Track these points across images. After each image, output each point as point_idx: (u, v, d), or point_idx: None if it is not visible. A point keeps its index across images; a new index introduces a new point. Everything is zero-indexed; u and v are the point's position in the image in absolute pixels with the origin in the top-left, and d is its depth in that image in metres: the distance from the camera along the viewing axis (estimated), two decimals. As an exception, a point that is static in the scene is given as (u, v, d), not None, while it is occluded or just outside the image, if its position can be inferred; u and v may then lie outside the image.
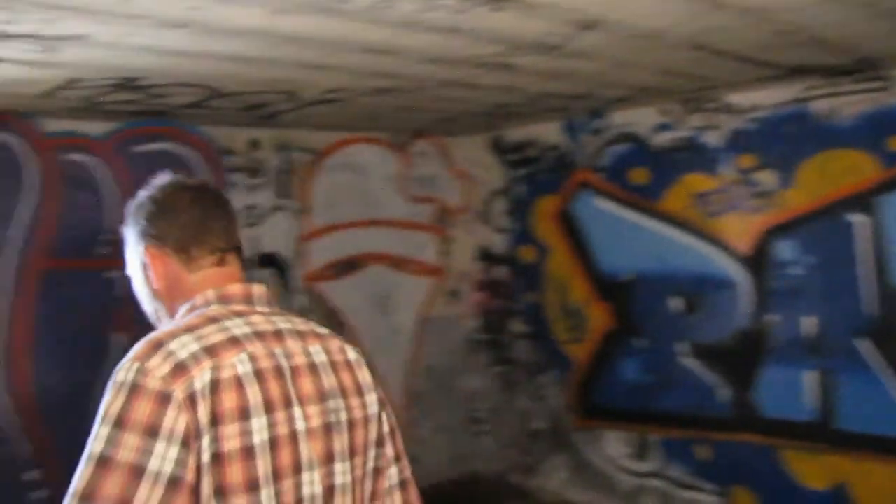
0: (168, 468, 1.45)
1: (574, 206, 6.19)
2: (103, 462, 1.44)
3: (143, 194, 1.87)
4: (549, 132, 6.29)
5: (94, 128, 5.03)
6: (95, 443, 1.47)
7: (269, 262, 5.70)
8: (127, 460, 1.44)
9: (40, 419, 4.82)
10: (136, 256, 1.88)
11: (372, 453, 1.78)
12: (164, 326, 1.72)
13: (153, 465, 1.44)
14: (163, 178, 1.90)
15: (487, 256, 6.80)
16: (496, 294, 6.76)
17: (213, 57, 3.67)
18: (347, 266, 6.14)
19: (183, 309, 1.76)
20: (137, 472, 1.43)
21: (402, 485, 1.86)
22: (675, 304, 5.58)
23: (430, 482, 6.33)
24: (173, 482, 1.45)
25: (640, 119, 5.73)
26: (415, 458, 6.01)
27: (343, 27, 3.31)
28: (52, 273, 4.86)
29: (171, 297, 1.82)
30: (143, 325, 4.96)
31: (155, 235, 1.81)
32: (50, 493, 4.82)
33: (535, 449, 6.53)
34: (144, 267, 1.85)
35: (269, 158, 5.75)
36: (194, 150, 5.38)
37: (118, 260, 4.62)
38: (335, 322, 6.04)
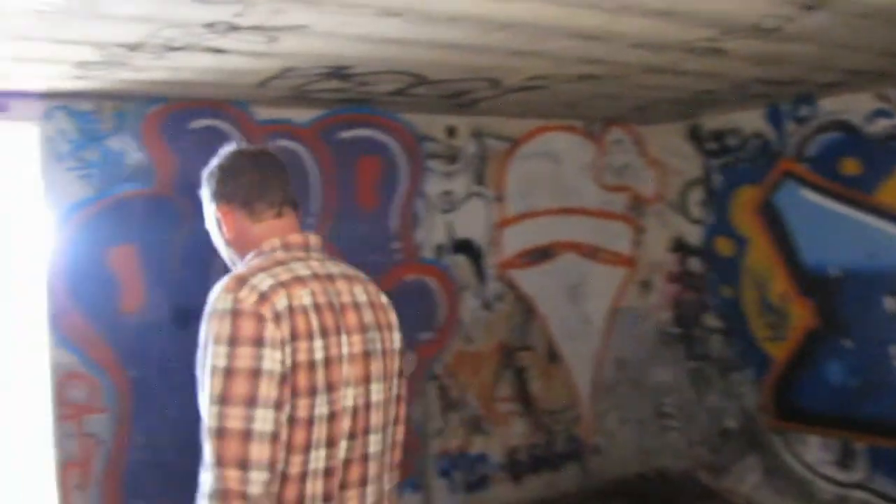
0: (277, 367, 1.83)
1: (777, 198, 5.89)
2: (228, 372, 1.82)
3: (213, 162, 2.23)
4: (751, 120, 6.02)
5: (300, 115, 5.23)
6: (217, 359, 1.84)
7: (464, 249, 5.75)
8: (246, 366, 1.81)
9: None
10: (210, 214, 2.25)
11: (395, 381, 2.15)
12: (239, 268, 2.06)
13: (266, 365, 1.82)
14: (227, 147, 2.25)
15: (681, 248, 6.60)
16: (689, 286, 6.56)
17: (424, 45, 3.72)
18: (540, 254, 6.11)
19: (251, 254, 2.10)
20: (256, 372, 1.81)
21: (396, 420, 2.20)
22: (890, 303, 5.21)
23: (615, 475, 6.25)
24: (282, 376, 1.84)
25: (853, 105, 5.38)
26: (600, 450, 5.97)
27: (557, 12, 3.27)
28: (262, 253, 5.07)
29: (240, 245, 2.16)
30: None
31: (223, 195, 2.17)
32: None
33: (725, 448, 6.30)
34: (218, 222, 2.21)
35: (465, 145, 5.80)
36: (394, 136, 5.50)
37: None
38: (525, 309, 6.03)
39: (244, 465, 1.79)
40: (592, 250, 6.39)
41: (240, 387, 1.81)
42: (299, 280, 1.96)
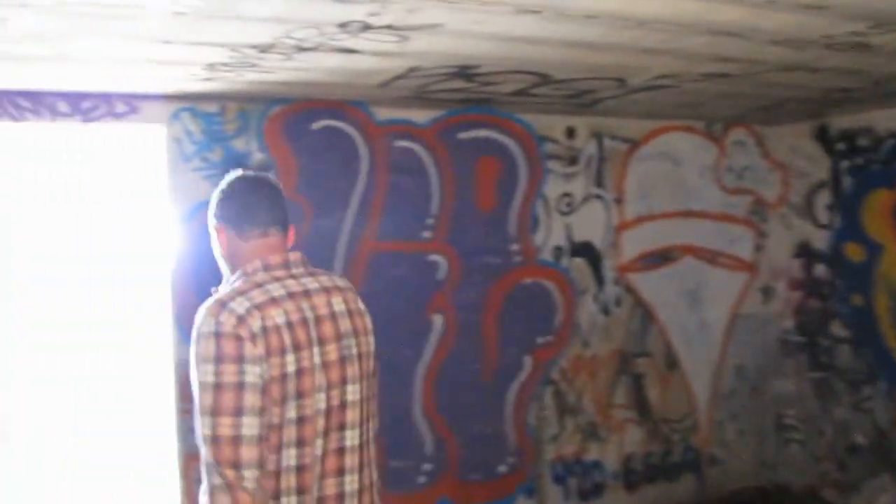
0: (257, 380, 2.10)
1: (916, 202, 5.58)
2: (217, 386, 2.08)
3: (218, 186, 2.46)
4: (886, 119, 5.71)
5: (419, 115, 5.19)
6: (206, 376, 2.10)
7: (582, 252, 5.62)
8: (232, 381, 2.08)
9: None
10: (211, 230, 2.45)
11: (369, 381, 2.40)
12: (221, 292, 2.28)
13: (248, 379, 2.09)
14: (231, 174, 2.50)
15: (806, 253, 6.31)
16: (815, 293, 6.27)
17: (555, 43, 3.62)
18: (659, 258, 5.94)
19: (238, 273, 2.33)
20: (240, 385, 2.08)
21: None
22: None
23: (733, 487, 6.03)
24: (262, 388, 2.11)
25: None
26: (718, 461, 5.74)
27: (698, 7, 3.13)
28: (379, 254, 5.06)
29: (232, 261, 2.39)
30: (461, 309, 5.17)
31: (220, 216, 2.41)
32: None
33: (853, 465, 5.99)
34: (215, 238, 2.43)
35: (584, 146, 5.67)
36: (513, 137, 5.41)
37: (440, 244, 4.73)
38: (644, 314, 5.86)
39: (237, 465, 2.06)
40: (712, 254, 6.18)
41: (227, 399, 2.08)
42: (273, 301, 2.22)
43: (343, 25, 3.24)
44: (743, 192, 6.34)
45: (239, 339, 2.11)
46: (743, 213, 6.36)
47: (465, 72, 4.21)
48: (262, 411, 2.10)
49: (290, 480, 2.19)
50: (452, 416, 5.25)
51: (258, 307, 2.17)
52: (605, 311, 5.74)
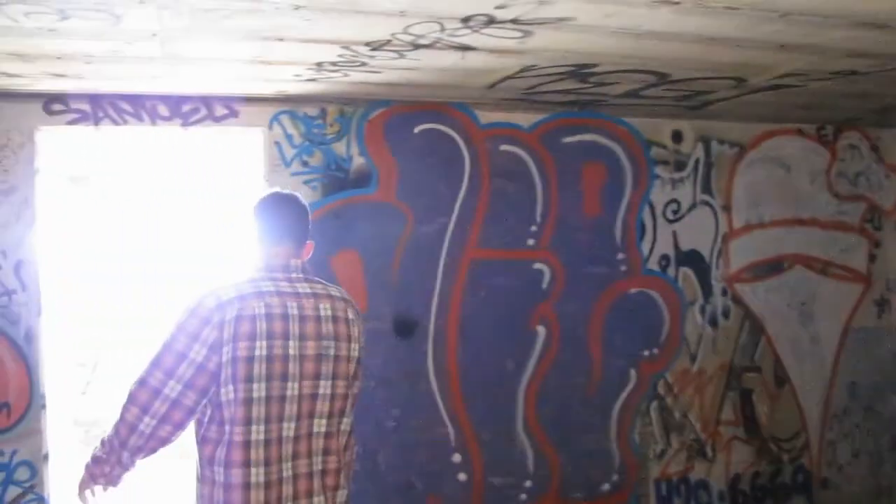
0: (198, 358, 2.47)
1: None
2: (167, 347, 2.50)
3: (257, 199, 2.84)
4: None
5: (523, 119, 5.00)
6: (167, 336, 2.52)
7: (690, 261, 5.35)
8: (177, 349, 2.49)
9: (462, 404, 4.86)
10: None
11: (347, 381, 2.66)
12: (225, 281, 2.63)
13: (190, 355, 2.48)
14: (267, 191, 2.89)
15: (925, 264, 5.93)
16: (934, 306, 5.89)
17: (687, 38, 3.41)
18: (768, 268, 5.63)
19: (248, 271, 2.69)
20: (181, 356, 2.48)
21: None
22: None
23: (845, 512, 5.67)
24: (199, 367, 2.48)
25: None
26: (830, 484, 5.37)
27: (851, -4, 2.88)
28: (482, 261, 4.87)
29: (253, 261, 2.72)
30: (565, 319, 4.94)
31: (255, 228, 2.75)
32: (468, 478, 4.85)
33: (978, 489, 5.59)
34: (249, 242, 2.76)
35: (691, 151, 5.40)
36: (619, 141, 5.18)
37: (544, 252, 4.50)
38: (753, 327, 5.56)
39: (145, 409, 2.48)
40: (823, 264, 5.84)
41: (167, 360, 2.49)
42: (259, 295, 2.56)
43: (466, 20, 3.08)
44: (856, 198, 5.99)
45: (205, 322, 2.49)
46: (856, 221, 5.99)
47: (580, 71, 4.00)
48: (190, 384, 2.48)
49: (258, 453, 2.48)
50: (555, 431, 5.03)
51: (240, 299, 2.52)
52: (713, 322, 5.45)
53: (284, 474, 2.52)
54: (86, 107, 4.48)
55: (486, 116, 4.92)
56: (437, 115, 4.83)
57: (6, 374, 4.38)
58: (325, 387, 2.60)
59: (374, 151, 4.77)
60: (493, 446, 4.94)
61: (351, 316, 2.73)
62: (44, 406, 4.44)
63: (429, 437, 4.85)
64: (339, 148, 4.74)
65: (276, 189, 2.92)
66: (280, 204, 2.79)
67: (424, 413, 4.84)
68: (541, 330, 4.98)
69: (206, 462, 2.54)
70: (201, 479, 2.56)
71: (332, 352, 2.61)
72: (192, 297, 2.57)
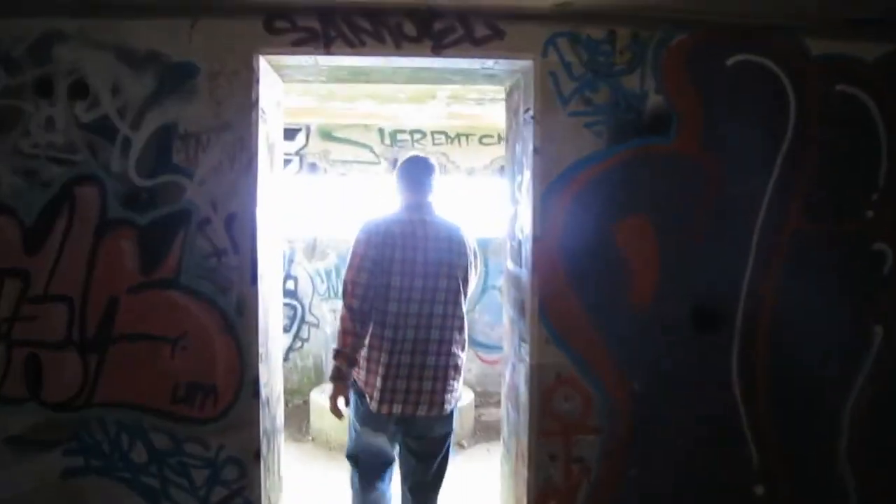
0: (368, 263, 3.37)
1: None
2: (353, 256, 3.42)
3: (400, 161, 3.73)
4: None
5: (867, 50, 3.63)
6: (351, 252, 3.46)
7: None
8: (357, 257, 3.41)
9: (771, 421, 3.62)
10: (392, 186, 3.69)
11: (459, 289, 3.50)
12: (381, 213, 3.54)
13: (364, 263, 3.38)
14: (406, 154, 3.90)
15: None
16: None
17: None
18: None
19: (396, 209, 3.55)
20: (364, 258, 3.39)
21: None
22: None
23: None
24: (372, 270, 3.36)
25: None
26: None
27: None
28: (806, 237, 3.58)
29: (396, 203, 3.59)
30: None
31: (395, 176, 3.64)
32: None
33: None
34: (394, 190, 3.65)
35: None
36: None
37: (888, 228, 3.10)
38: None
39: (354, 296, 3.44)
40: None
41: (355, 263, 3.47)
42: (400, 222, 3.44)
43: None
44: None
45: (368, 240, 3.39)
46: None
47: None
48: (369, 275, 3.35)
49: None
50: (890, 463, 3.69)
51: (389, 224, 3.43)
52: None
53: None
54: (315, 24, 3.43)
55: (819, 45, 3.60)
56: (756, 43, 3.57)
57: (213, 352, 3.41)
58: (439, 288, 3.43)
59: (674, 88, 3.54)
60: (806, 476, 3.66)
61: (463, 236, 3.59)
62: (256, 394, 3.43)
63: (725, 460, 3.61)
64: (631, 82, 3.53)
65: (411, 154, 3.76)
66: (413, 166, 3.64)
67: (722, 428, 3.61)
68: (878, 330, 3.66)
69: None
70: None
71: (444, 269, 3.47)
72: (360, 224, 3.51)
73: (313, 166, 7.40)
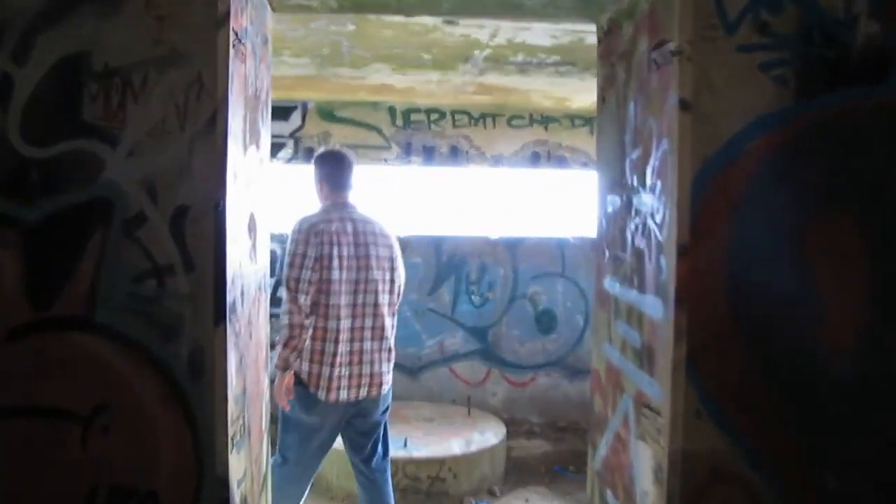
0: (308, 260, 3.27)
1: None
2: (293, 254, 3.32)
3: (318, 153, 3.68)
4: None
5: None
6: (289, 251, 3.35)
7: None
8: (299, 254, 3.30)
9: None
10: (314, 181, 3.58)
11: (389, 278, 3.52)
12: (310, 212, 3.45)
13: (304, 260, 3.28)
14: (323, 148, 3.74)
15: None
16: None
17: None
18: None
19: (320, 207, 3.49)
20: (303, 256, 3.28)
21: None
22: None
23: None
24: (313, 267, 3.28)
25: None
26: None
27: None
28: None
29: (322, 200, 3.53)
30: None
31: (319, 173, 3.56)
32: None
33: None
34: (317, 187, 3.56)
35: None
36: None
37: None
38: None
39: (295, 290, 3.36)
40: None
41: (297, 262, 3.38)
42: (328, 220, 3.36)
43: None
44: None
45: (307, 236, 3.29)
46: None
47: None
48: (311, 272, 3.27)
49: None
50: None
51: (320, 222, 3.35)
52: None
53: None
54: None
55: None
56: None
57: (152, 437, 1.96)
58: (373, 279, 3.44)
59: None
60: None
61: (388, 232, 3.58)
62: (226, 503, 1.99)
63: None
64: (832, 3, 2.08)
65: (329, 147, 3.77)
66: (336, 160, 3.58)
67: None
68: None
69: None
70: None
71: (373, 261, 3.47)
72: (293, 226, 3.40)
73: (311, 152, 5.98)
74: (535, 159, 6.17)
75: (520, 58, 4.29)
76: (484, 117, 6.13)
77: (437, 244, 6.10)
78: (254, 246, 2.36)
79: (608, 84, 2.68)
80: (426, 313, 6.07)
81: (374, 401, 3.50)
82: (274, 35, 3.66)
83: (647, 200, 2.29)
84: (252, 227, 2.32)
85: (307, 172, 5.99)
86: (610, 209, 2.63)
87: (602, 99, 2.74)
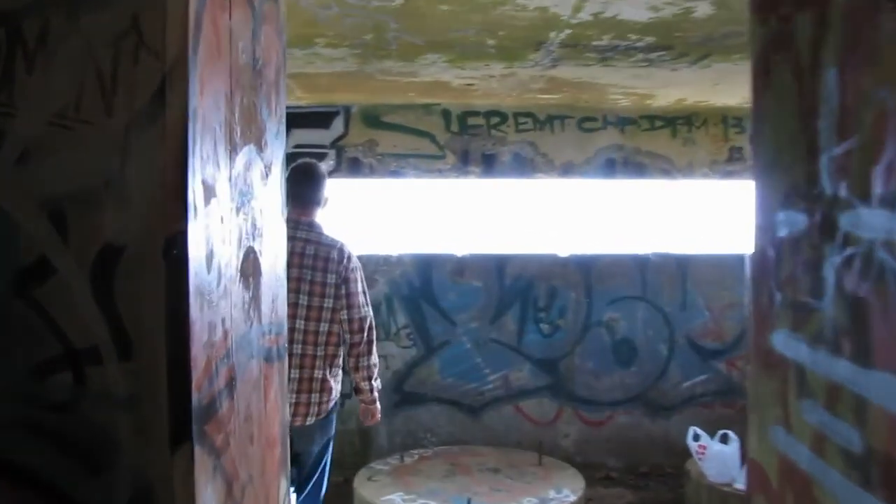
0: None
1: None
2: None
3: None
4: None
5: None
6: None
7: None
8: None
9: None
10: None
11: (330, 302, 3.39)
12: None
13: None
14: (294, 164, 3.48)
15: None
16: None
17: None
18: None
19: None
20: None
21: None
22: None
23: None
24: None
25: None
26: None
27: None
28: None
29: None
30: None
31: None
32: None
33: None
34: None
35: None
36: None
37: None
38: None
39: None
40: None
41: None
42: (290, 239, 3.08)
43: None
44: None
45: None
46: None
47: None
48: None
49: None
50: None
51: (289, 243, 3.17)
52: None
53: None
54: None
55: None
56: None
57: None
58: (308, 297, 3.36)
59: None
60: None
61: (334, 256, 3.39)
62: None
63: None
64: None
65: (299, 162, 3.58)
66: (300, 176, 3.45)
67: None
68: None
69: None
70: None
71: (318, 277, 3.37)
72: None
73: (355, 163, 5.24)
74: (609, 167, 5.35)
75: (605, 40, 3.42)
76: (551, 120, 5.31)
77: (499, 265, 5.33)
78: (255, 298, 1.51)
79: (777, 48, 1.77)
80: (488, 344, 5.31)
81: (297, 431, 3.35)
82: (303, 16, 2.84)
83: (872, 220, 1.38)
84: (252, 272, 1.48)
85: (352, 188, 5.54)
86: (784, 232, 1.73)
87: (763, 72, 1.84)
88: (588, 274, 5.31)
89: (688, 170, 5.38)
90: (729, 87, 4.55)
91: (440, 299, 5.24)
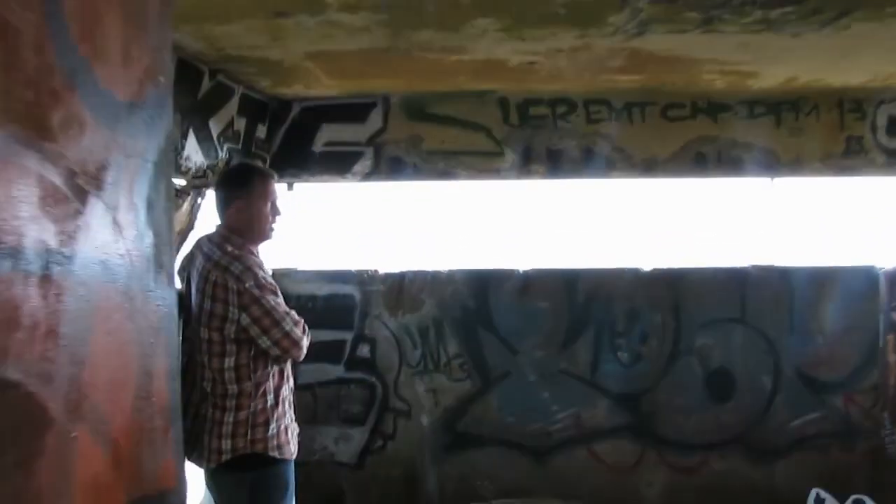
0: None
1: None
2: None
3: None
4: None
5: None
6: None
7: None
8: None
9: None
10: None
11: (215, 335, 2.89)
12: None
13: None
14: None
15: None
16: None
17: None
18: None
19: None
20: None
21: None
22: None
23: None
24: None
25: None
26: None
27: None
28: None
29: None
30: None
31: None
32: None
33: None
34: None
35: None
36: None
37: None
38: None
39: None
40: None
41: None
42: (192, 253, 3.01)
43: None
44: None
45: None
46: None
47: None
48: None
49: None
50: None
51: (190, 252, 3.10)
52: None
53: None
54: None
55: None
56: None
57: None
58: (203, 332, 2.86)
59: None
60: None
61: (214, 278, 2.83)
62: None
63: None
64: None
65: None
66: (220, 182, 3.10)
67: None
68: None
69: None
70: None
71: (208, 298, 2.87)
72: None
73: (396, 163, 4.62)
74: (699, 163, 4.60)
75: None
76: (629, 108, 4.52)
77: (569, 281, 4.66)
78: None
79: None
80: (556, 376, 4.67)
81: (208, 473, 2.97)
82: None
83: None
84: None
85: (393, 191, 4.88)
86: None
87: None
88: (676, 291, 4.64)
89: (795, 165, 4.60)
90: (859, 60, 3.58)
91: (499, 323, 4.64)
